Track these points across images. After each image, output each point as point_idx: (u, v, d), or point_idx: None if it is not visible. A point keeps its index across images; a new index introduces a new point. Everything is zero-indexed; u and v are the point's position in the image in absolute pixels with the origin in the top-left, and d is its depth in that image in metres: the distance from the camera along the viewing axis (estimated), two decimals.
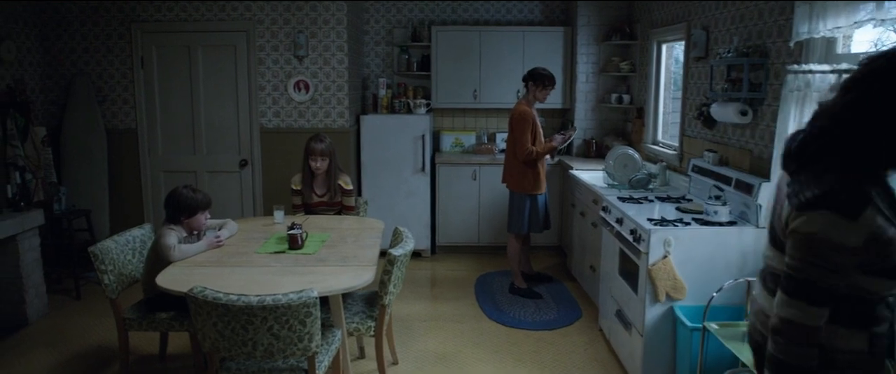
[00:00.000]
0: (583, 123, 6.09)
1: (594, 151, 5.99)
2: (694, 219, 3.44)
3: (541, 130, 4.79)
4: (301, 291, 2.44)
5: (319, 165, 4.07)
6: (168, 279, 2.83)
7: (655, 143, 5.31)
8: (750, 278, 2.98)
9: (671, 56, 5.30)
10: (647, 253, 3.27)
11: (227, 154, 5.46)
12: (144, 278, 3.29)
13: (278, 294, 2.41)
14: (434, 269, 5.53)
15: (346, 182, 4.24)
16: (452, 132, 6.33)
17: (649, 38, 5.32)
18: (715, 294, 2.93)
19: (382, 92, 5.90)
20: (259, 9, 5.23)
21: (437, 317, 4.46)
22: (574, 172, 5.23)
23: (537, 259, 5.77)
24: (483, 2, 6.29)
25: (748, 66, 3.46)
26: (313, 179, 4.19)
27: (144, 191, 5.46)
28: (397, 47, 6.24)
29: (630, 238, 3.50)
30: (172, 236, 3.16)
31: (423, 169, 5.76)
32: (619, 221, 3.75)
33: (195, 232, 3.40)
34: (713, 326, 2.87)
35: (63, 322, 4.33)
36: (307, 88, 5.35)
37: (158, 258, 3.13)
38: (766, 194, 3.21)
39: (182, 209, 3.24)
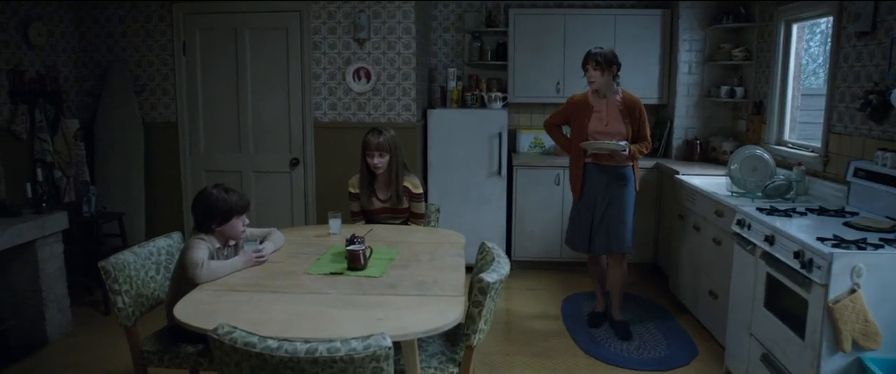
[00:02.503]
0: (684, 121, 5.22)
1: (698, 154, 5.11)
2: (882, 240, 2.56)
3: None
4: (368, 337, 1.69)
5: (378, 162, 3.36)
6: (189, 309, 2.13)
7: (781, 143, 4.40)
8: None
9: (802, 38, 4.38)
10: (825, 285, 2.42)
11: (277, 152, 4.83)
12: (169, 300, 2.62)
13: (335, 341, 1.67)
14: (511, 288, 4.74)
15: (415, 184, 3.51)
16: (531, 130, 5.53)
17: (774, 17, 4.41)
18: None
19: (452, 84, 5.17)
20: None
21: (522, 350, 3.67)
22: (683, 177, 4.37)
23: (627, 279, 4.90)
24: None
25: None
26: (374, 181, 3.47)
27: (184, 193, 4.89)
28: (469, 34, 5.50)
29: (793, 263, 2.64)
30: (201, 249, 2.48)
31: (498, 172, 5.00)
32: (769, 239, 2.89)
33: (231, 243, 2.71)
34: None
35: (87, 342, 3.74)
36: (368, 76, 4.66)
37: (184, 277, 2.45)
38: None
39: (213, 214, 2.56)
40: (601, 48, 3.66)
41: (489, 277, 2.32)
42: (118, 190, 4.77)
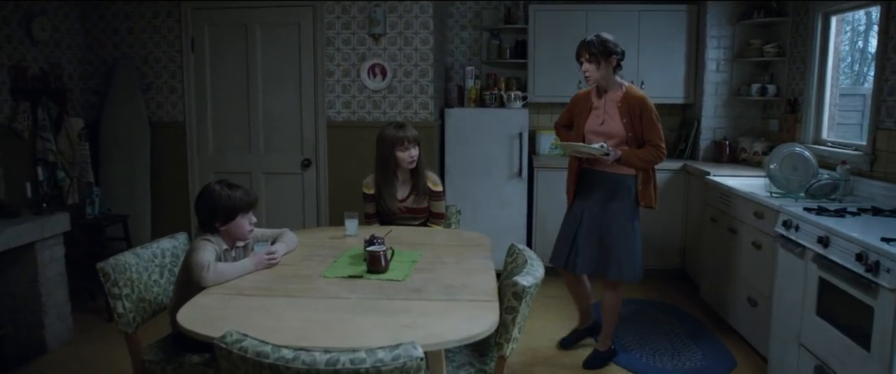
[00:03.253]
0: (712, 121, 4.99)
1: (727, 155, 4.87)
2: None
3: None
4: (396, 346, 1.47)
5: (414, 153, 3.20)
6: (194, 315, 1.93)
7: (819, 142, 4.16)
8: None
9: (841, 32, 4.15)
10: (895, 290, 2.18)
11: (288, 153, 4.65)
12: (173, 305, 2.41)
13: (359, 351, 1.45)
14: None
15: (435, 182, 3.32)
16: (551, 131, 5.29)
17: (810, 10, 4.18)
18: None
19: (470, 83, 4.97)
20: None
21: (547, 361, 3.44)
22: (716, 178, 4.14)
23: (652, 287, 4.67)
24: None
25: None
26: (393, 180, 3.27)
27: (191, 195, 4.70)
28: (487, 32, 5.31)
29: (854, 266, 2.41)
30: (207, 251, 2.28)
31: (519, 174, 4.78)
32: (823, 241, 2.66)
33: (239, 244, 2.51)
34: None
35: (88, 351, 3.54)
36: (384, 73, 4.47)
37: (189, 281, 2.24)
38: None
39: (216, 212, 2.36)
40: (597, 36, 3.12)
41: (524, 280, 2.11)
42: (123, 192, 4.59)
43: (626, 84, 3.21)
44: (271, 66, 4.56)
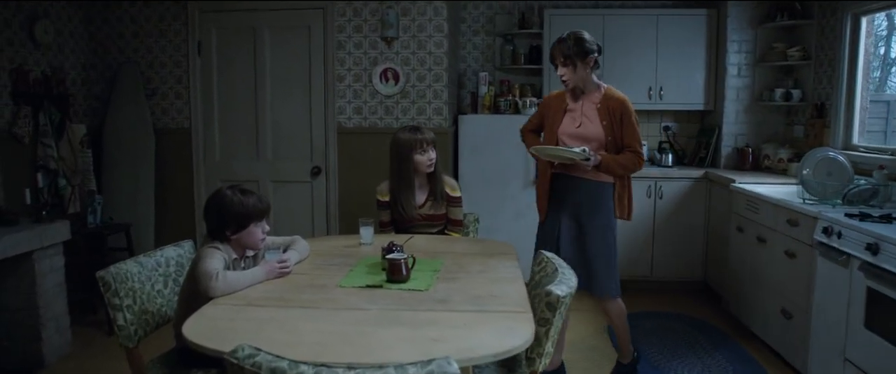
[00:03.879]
0: (733, 127, 4.82)
1: (750, 163, 4.70)
2: None
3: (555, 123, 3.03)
4: (429, 362, 1.30)
5: (432, 156, 3.06)
6: (201, 327, 1.76)
7: (849, 147, 3.99)
8: None
9: (871, 33, 4.00)
10: None
11: (297, 160, 4.50)
12: (177, 318, 2.25)
13: (388, 367, 1.29)
14: None
15: (453, 187, 3.17)
16: None
17: (838, 11, 4.04)
18: None
19: (484, 89, 4.83)
20: None
21: None
22: (742, 185, 3.97)
23: (675, 300, 4.48)
24: None
25: None
26: (409, 186, 3.11)
27: (197, 204, 4.56)
28: (500, 37, 5.17)
29: None
30: (215, 259, 2.12)
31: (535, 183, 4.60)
32: (872, 248, 2.49)
33: (249, 254, 2.35)
34: None
35: (88, 366, 3.38)
36: (397, 77, 4.33)
37: (195, 291, 2.08)
38: None
39: (227, 219, 2.20)
40: (571, 35, 2.84)
41: (558, 289, 1.95)
42: (126, 200, 4.44)
43: (605, 86, 2.95)
44: (280, 70, 4.43)
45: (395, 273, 2.16)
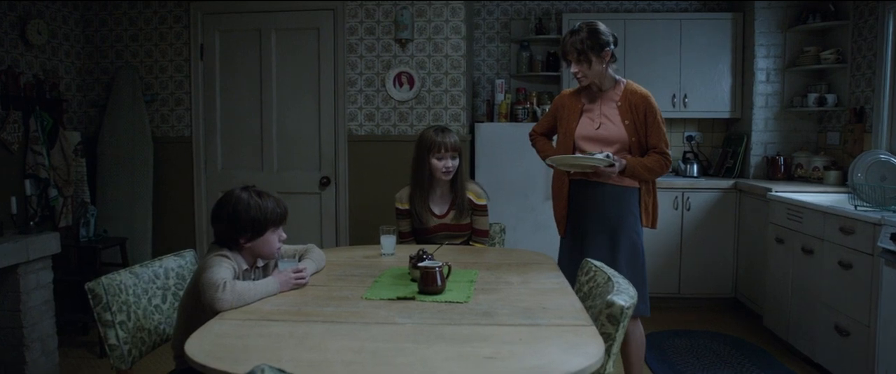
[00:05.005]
0: (763, 135, 4.59)
1: (782, 172, 4.45)
2: None
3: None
4: None
5: (450, 165, 2.79)
6: (207, 345, 1.48)
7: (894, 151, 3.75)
8: None
9: None
10: None
11: (305, 170, 4.25)
12: (178, 336, 1.97)
13: None
14: None
15: (478, 194, 2.91)
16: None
17: (878, 10, 3.82)
18: None
19: (500, 97, 4.61)
20: None
21: None
22: (782, 194, 3.73)
23: (704, 317, 4.20)
24: None
25: None
26: (430, 193, 2.86)
27: (198, 216, 4.30)
28: (516, 43, 4.96)
29: None
30: (223, 268, 1.85)
31: None
32: None
33: (260, 264, 2.08)
34: None
35: None
36: (411, 82, 4.09)
37: (200, 304, 1.80)
38: None
39: (242, 225, 1.94)
40: (585, 27, 2.53)
41: (621, 299, 1.68)
42: (122, 213, 4.18)
43: (625, 80, 2.66)
44: (287, 75, 4.20)
45: (428, 283, 1.89)
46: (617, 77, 2.65)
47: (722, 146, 4.93)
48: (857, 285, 2.91)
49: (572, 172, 2.63)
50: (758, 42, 4.52)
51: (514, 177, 4.37)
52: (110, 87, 4.25)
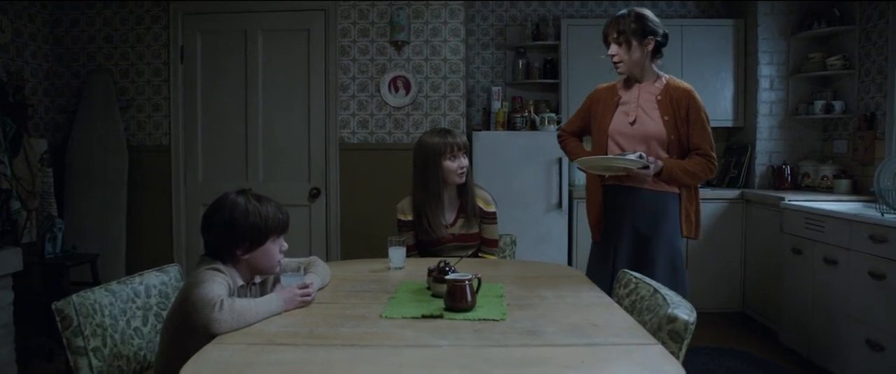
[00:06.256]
0: (767, 144, 4.46)
1: (788, 181, 4.31)
2: None
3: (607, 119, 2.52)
4: None
5: (464, 163, 2.59)
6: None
7: None
8: None
9: None
10: None
11: (293, 181, 4.01)
12: (161, 362, 1.69)
13: None
14: None
15: (487, 201, 2.71)
16: None
17: (889, 14, 3.73)
18: None
19: (497, 105, 4.41)
20: None
21: None
22: (798, 202, 3.58)
23: (711, 332, 4.01)
24: None
25: None
26: (437, 201, 2.63)
27: (176, 231, 4.01)
28: (511, 50, 4.78)
29: None
30: (217, 284, 1.59)
31: (559, 205, 4.16)
32: None
33: (257, 279, 1.82)
34: None
35: None
36: (408, 87, 3.88)
37: (189, 326, 1.53)
38: None
39: (241, 233, 1.69)
40: (632, 10, 2.40)
41: (683, 313, 1.47)
42: (93, 227, 3.89)
43: (667, 76, 2.47)
44: (275, 79, 3.96)
45: (457, 299, 1.64)
46: (659, 72, 2.45)
47: (724, 156, 4.78)
48: (892, 296, 2.74)
49: (606, 175, 2.41)
50: (761, 49, 4.41)
51: (514, 188, 4.16)
52: (81, 91, 3.96)
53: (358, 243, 3.86)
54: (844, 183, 3.96)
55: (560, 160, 4.18)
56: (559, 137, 2.77)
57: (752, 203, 4.13)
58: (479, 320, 1.58)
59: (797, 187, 4.34)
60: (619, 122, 2.43)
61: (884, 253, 2.79)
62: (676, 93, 2.38)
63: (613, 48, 2.40)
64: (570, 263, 4.27)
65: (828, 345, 3.24)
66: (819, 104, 4.22)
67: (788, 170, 4.35)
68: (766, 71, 4.42)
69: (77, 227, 3.85)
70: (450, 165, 2.56)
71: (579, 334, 1.47)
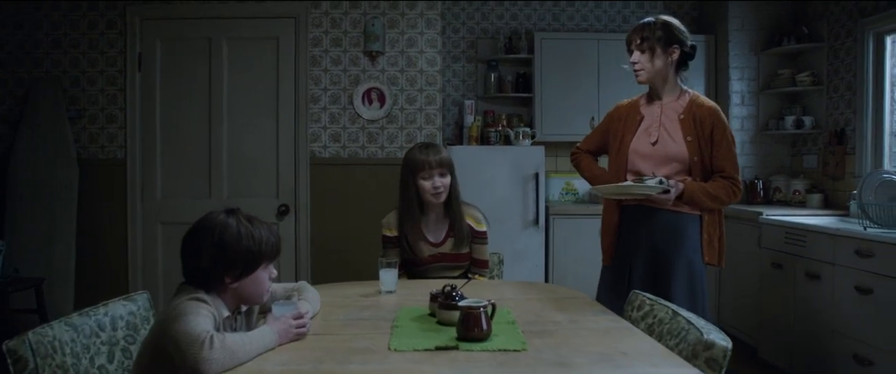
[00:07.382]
0: (741, 158, 4.46)
1: (761, 196, 4.34)
2: None
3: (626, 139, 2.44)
4: None
5: (439, 184, 2.43)
6: None
7: None
8: None
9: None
10: None
11: (261, 197, 3.79)
12: None
13: None
14: None
15: (477, 219, 2.58)
16: (561, 175, 4.68)
17: (856, 32, 3.81)
18: None
19: (470, 119, 4.32)
20: None
21: None
22: (778, 216, 3.59)
23: None
24: (595, 1, 4.83)
25: None
26: (421, 218, 2.49)
27: (132, 253, 3.73)
28: (483, 64, 4.70)
29: None
30: (202, 316, 1.40)
31: (535, 222, 4.07)
32: None
33: (243, 308, 1.63)
34: None
35: None
36: (382, 99, 3.73)
37: (164, 365, 1.33)
38: None
39: (232, 259, 1.51)
40: (654, 20, 2.31)
41: (719, 339, 1.37)
42: (38, 248, 3.59)
43: (692, 91, 2.40)
44: (241, 90, 3.75)
45: (471, 328, 1.49)
46: (684, 87, 2.38)
47: None
48: (880, 310, 2.74)
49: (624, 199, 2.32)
50: (732, 64, 4.48)
51: (488, 203, 4.00)
52: (25, 100, 3.66)
53: (330, 259, 3.67)
54: (816, 197, 4.01)
55: (536, 176, 4.10)
56: (573, 155, 2.65)
57: (729, 218, 4.12)
58: (499, 351, 1.43)
59: (769, 201, 4.38)
60: (640, 142, 2.35)
61: (870, 268, 2.80)
62: (700, 111, 2.30)
63: (636, 55, 2.31)
64: (546, 280, 4.18)
65: (811, 359, 3.23)
66: (790, 119, 4.28)
67: (761, 184, 4.38)
68: (737, 86, 4.47)
69: (20, 248, 3.53)
70: (423, 183, 2.41)
71: (612, 363, 1.34)
